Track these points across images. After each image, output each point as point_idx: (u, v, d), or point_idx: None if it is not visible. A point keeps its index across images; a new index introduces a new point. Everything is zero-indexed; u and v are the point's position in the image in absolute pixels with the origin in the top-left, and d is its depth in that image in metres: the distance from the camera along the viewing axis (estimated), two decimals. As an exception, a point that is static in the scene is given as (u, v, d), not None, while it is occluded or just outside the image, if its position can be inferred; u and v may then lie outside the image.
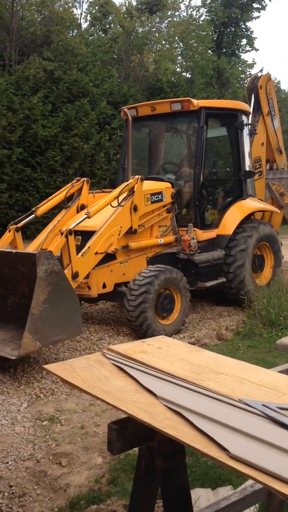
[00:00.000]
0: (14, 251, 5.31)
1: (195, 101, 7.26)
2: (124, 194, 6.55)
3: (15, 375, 5.28)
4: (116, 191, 6.54)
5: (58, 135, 16.32)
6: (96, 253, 6.13)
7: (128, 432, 1.79)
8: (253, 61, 30.76)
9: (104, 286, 6.47)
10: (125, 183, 6.69)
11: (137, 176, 6.71)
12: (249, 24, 30.29)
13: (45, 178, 16.04)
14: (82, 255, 5.96)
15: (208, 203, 7.63)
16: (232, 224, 7.70)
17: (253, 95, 9.19)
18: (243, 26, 28.77)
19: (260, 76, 9.24)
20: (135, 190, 6.63)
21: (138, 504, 1.94)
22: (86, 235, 6.31)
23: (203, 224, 7.50)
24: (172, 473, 1.84)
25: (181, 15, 23.86)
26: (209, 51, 23.83)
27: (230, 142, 8.29)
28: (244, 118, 8.09)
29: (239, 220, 7.76)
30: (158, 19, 21.49)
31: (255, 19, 28.84)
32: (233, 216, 7.78)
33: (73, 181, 7.35)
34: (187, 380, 1.92)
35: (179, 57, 22.31)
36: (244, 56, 34.69)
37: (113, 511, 2.58)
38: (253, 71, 29.79)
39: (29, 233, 13.05)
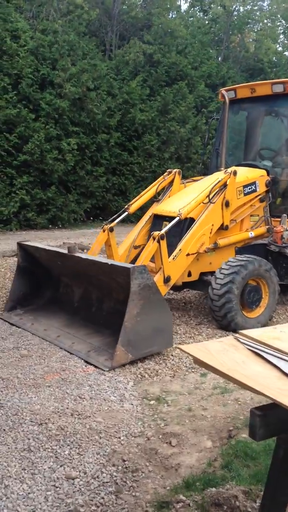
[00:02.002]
0: (109, 262, 5.38)
1: None
2: (216, 190, 6.36)
3: (120, 353, 5.42)
4: (207, 188, 6.34)
5: (155, 119, 16.36)
6: (188, 254, 6.05)
7: (270, 419, 1.74)
8: None
9: (189, 274, 6.36)
10: (217, 179, 6.47)
11: (229, 170, 6.53)
12: None
13: (141, 162, 16.18)
14: (173, 258, 5.89)
15: None
16: None
17: None
18: None
19: None
20: (227, 184, 6.43)
21: (273, 492, 1.90)
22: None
23: None
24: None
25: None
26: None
27: None
28: None
29: None
30: (260, -3, 20.77)
31: None
32: None
33: (165, 174, 7.25)
34: None
35: (281, 36, 21.43)
36: None
37: (234, 496, 2.57)
38: None
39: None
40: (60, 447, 3.64)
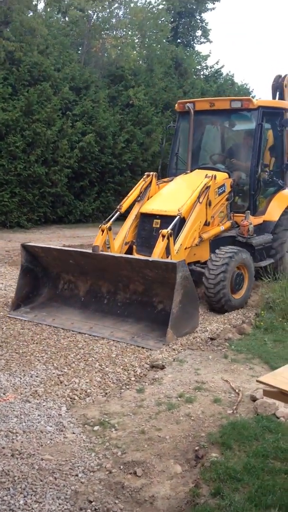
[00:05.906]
0: (150, 259, 6.11)
1: (254, 101, 8.06)
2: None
3: (36, 373, 4.89)
4: (197, 190, 7.27)
5: (19, 120, 15.51)
6: (186, 248, 6.98)
7: None
8: (209, 52, 30.49)
9: None
10: (201, 182, 7.36)
11: (210, 175, 7.49)
12: (204, 15, 29.93)
13: (5, 164, 15.21)
14: (176, 252, 6.70)
15: (260, 193, 8.29)
16: (278, 211, 8.58)
17: (278, 93, 9.68)
18: (198, 17, 28.65)
19: (285, 76, 9.69)
20: (209, 186, 7.39)
21: None
22: (164, 219, 7.07)
23: (255, 210, 8.18)
24: None
25: (138, 2, 23.25)
26: (164, 41, 23.47)
27: (275, 137, 8.79)
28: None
29: (284, 207, 8.66)
30: (116, 5, 20.85)
31: (210, 10, 28.64)
32: (278, 204, 8.66)
33: (144, 177, 8.02)
34: None
35: (137, 47, 21.80)
36: (198, 47, 34.57)
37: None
38: (209, 63, 30.04)
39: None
40: (11, 496, 3.10)
